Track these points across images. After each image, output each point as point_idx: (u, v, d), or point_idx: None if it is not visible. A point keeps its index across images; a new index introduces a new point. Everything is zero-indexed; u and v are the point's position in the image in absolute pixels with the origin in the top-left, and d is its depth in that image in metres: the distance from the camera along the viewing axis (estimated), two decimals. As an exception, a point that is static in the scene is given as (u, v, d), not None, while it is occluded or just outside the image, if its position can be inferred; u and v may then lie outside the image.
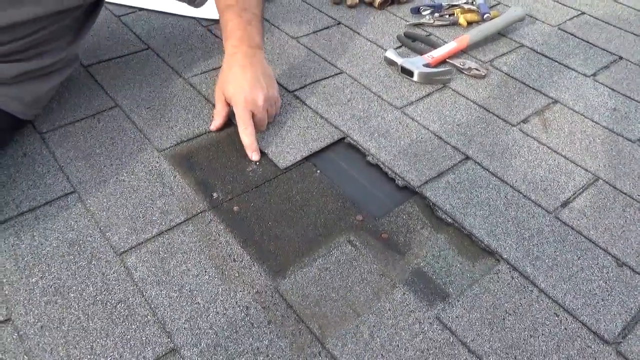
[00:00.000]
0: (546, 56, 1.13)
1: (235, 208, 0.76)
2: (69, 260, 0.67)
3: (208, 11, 1.15)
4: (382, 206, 0.78)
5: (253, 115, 0.84)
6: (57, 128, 0.88)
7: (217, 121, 0.88)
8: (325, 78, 1.03)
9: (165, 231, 0.72)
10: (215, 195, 0.78)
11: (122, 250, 0.69)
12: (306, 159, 0.85)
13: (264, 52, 0.88)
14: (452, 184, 0.81)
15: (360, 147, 0.87)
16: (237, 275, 0.67)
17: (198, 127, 0.89)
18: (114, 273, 0.66)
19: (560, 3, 1.35)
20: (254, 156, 0.83)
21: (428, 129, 0.92)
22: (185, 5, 1.00)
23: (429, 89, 1.02)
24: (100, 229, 0.72)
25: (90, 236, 0.71)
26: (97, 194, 0.76)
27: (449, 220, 0.75)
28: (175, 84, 0.99)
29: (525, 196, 0.80)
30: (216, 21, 1.19)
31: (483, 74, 1.04)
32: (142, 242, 0.70)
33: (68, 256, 0.68)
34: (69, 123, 0.89)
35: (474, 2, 1.25)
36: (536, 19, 1.27)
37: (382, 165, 0.84)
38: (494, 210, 0.77)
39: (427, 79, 1.02)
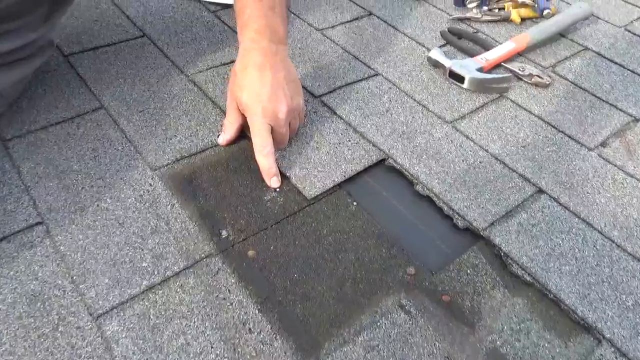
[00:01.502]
0: (616, 63, 0.96)
1: (251, 253, 0.59)
2: (28, 325, 0.50)
3: (217, -7, 0.96)
4: (438, 255, 0.61)
5: (272, 131, 0.66)
6: (24, 134, 0.69)
7: (228, 134, 0.70)
8: (358, 81, 0.85)
9: (159, 284, 0.54)
10: (224, 233, 0.60)
11: (100, 311, 0.51)
12: (339, 185, 0.68)
13: (287, 47, 0.70)
14: (525, 227, 0.64)
15: (406, 173, 0.70)
16: (254, 354, 0.50)
17: (203, 139, 0.72)
18: (87, 346, 0.49)
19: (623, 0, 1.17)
20: (274, 182, 0.66)
21: (487, 150, 0.74)
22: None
23: (483, 98, 0.84)
24: (72, 278, 0.54)
25: (59, 289, 0.53)
26: (71, 228, 0.59)
27: (528, 279, 0.58)
28: (176, 82, 0.81)
29: (619, 246, 0.63)
30: (227, 6, 1.00)
31: (547, 82, 0.87)
32: (127, 301, 0.53)
33: (27, 318, 0.50)
34: (41, 128, 0.70)
35: (529, -5, 1.07)
36: (598, 18, 1.09)
37: (435, 198, 0.66)
38: (583, 266, 0.60)
39: (481, 86, 0.84)
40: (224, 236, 0.60)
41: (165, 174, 0.66)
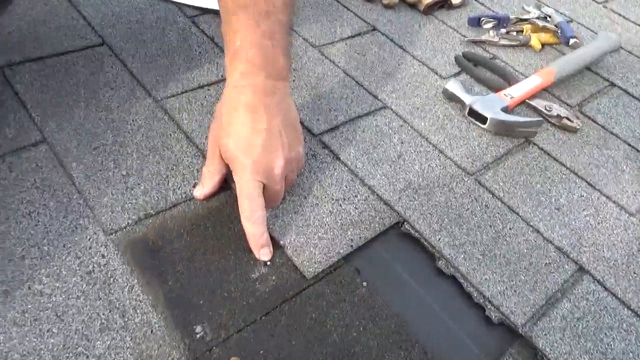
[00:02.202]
0: (645, 103, 0.86)
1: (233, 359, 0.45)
2: None
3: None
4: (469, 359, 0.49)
5: (265, 189, 0.52)
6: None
7: (207, 187, 0.56)
8: (363, 115, 0.72)
9: (108, 412, 0.40)
10: (199, 330, 0.46)
11: None
12: (344, 258, 0.55)
13: (288, 83, 0.56)
14: (570, 321, 0.52)
15: (425, 243, 0.57)
16: None
17: (174, 190, 0.57)
18: None
19: (642, 27, 1.08)
20: (264, 254, 0.52)
21: (517, 213, 0.63)
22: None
23: (507, 143, 0.72)
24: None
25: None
26: (-10, 322, 0.43)
27: (581, 399, 0.47)
28: (141, 108, 0.66)
29: (679, 350, 0.52)
30: (208, 11, 0.84)
31: (577, 126, 0.76)
32: None
33: None
34: (-40, 168, 0.54)
35: (550, 18, 0.96)
36: (620, 47, 0.99)
37: (461, 279, 0.54)
38: (643, 379, 0.49)
39: (505, 129, 0.73)
40: (198, 335, 0.46)
41: (123, 240, 0.51)
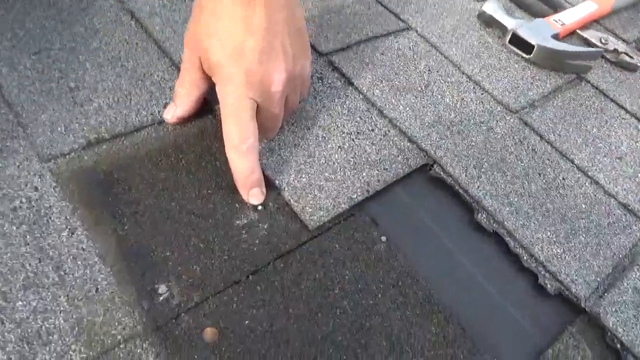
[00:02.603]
0: None
1: (209, 332, 0.33)
2: None
3: None
4: (519, 340, 0.37)
5: (259, 112, 0.39)
6: None
7: (182, 108, 0.42)
8: (382, 36, 0.58)
9: (26, 401, 0.29)
10: (163, 290, 0.34)
11: None
12: (359, 205, 0.42)
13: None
14: (644, 295, 0.41)
15: (461, 191, 0.45)
16: None
17: (138, 111, 0.43)
18: None
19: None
20: (254, 197, 0.39)
21: (572, 161, 0.50)
22: None
23: (555, 78, 0.59)
24: None
25: None
26: None
27: (664, 394, 0.36)
28: (100, 8, 0.51)
29: None
30: None
31: (638, 64, 0.63)
32: None
33: None
34: None
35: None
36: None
37: (507, 237, 0.42)
38: None
39: (554, 61, 0.59)
40: (162, 297, 0.34)
41: (65, 170, 0.38)
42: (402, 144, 0.47)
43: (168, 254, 0.36)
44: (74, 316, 0.32)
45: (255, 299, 0.35)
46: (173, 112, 0.42)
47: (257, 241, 0.38)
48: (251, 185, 0.39)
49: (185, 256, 0.36)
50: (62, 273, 0.33)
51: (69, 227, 0.35)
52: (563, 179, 0.48)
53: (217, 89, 0.39)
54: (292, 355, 0.33)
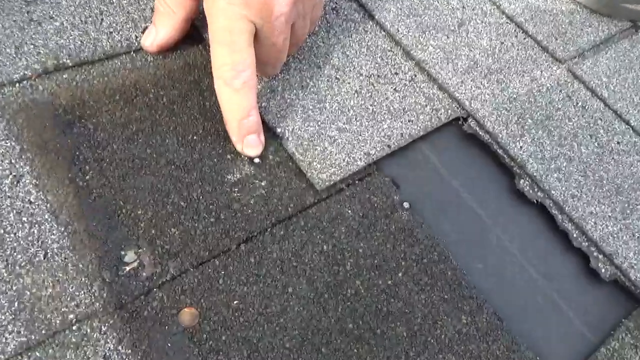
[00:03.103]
0: None
1: (187, 314, 0.26)
2: None
3: None
4: (568, 335, 0.31)
5: (257, 38, 0.31)
6: None
7: (163, 32, 0.34)
8: (409, -37, 0.49)
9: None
10: (130, 259, 0.27)
11: None
12: (377, 164, 0.35)
13: None
14: None
15: (500, 152, 0.37)
16: None
17: (111, 33, 0.35)
18: None
19: None
20: (250, 147, 0.32)
21: (629, 123, 0.43)
22: None
23: (607, 25, 0.51)
24: None
25: None
26: None
27: None
28: None
29: None
30: None
31: (703, 14, 0.54)
32: None
33: None
34: None
35: None
36: None
37: (554, 209, 0.35)
38: None
39: (608, 5, 0.50)
40: (129, 267, 0.27)
41: (13, 102, 0.30)
42: (430, 91, 0.39)
43: (139, 212, 0.28)
44: (14, 287, 0.25)
45: (247, 273, 0.28)
46: (153, 38, 0.34)
47: (252, 202, 0.31)
48: (247, 131, 0.31)
49: (161, 216, 0.29)
50: (1, 231, 0.26)
51: (13, 173, 0.28)
52: (617, 142, 0.41)
53: (205, 7, 0.31)
54: (291, 346, 0.27)
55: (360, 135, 0.35)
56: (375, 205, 0.33)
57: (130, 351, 0.24)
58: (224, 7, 0.30)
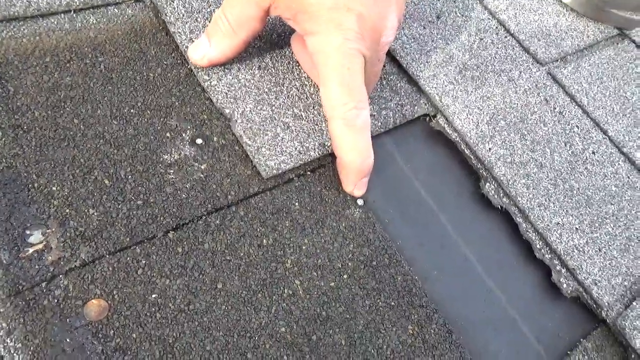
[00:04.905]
0: None
1: (94, 306, 0.23)
2: None
3: None
4: (525, 358, 0.29)
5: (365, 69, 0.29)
6: None
7: (220, 49, 0.30)
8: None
9: None
10: (36, 241, 0.24)
11: None
12: (332, 155, 0.32)
13: None
14: (678, 309, 0.33)
15: (467, 152, 0.35)
16: None
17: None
18: None
19: None
20: (360, 190, 0.30)
21: (606, 133, 0.41)
22: None
23: (592, 31, 0.48)
24: None
25: None
26: None
27: None
28: None
29: None
30: None
31: (691, 27, 0.52)
32: None
33: None
34: None
35: None
36: None
37: (519, 220, 0.33)
38: None
39: (595, 7, 0.48)
40: (32, 249, 0.24)
41: None
42: (398, 83, 0.37)
43: (54, 188, 0.25)
44: None
45: (172, 264, 0.25)
46: (204, 52, 0.30)
47: (187, 186, 0.28)
48: (367, 172, 0.29)
49: (79, 195, 0.25)
50: None
51: None
52: (593, 152, 0.39)
53: (311, 46, 0.29)
54: (212, 348, 0.24)
55: (317, 124, 0.32)
56: (326, 199, 0.30)
57: (20, 345, 0.21)
58: (340, 43, 0.27)
